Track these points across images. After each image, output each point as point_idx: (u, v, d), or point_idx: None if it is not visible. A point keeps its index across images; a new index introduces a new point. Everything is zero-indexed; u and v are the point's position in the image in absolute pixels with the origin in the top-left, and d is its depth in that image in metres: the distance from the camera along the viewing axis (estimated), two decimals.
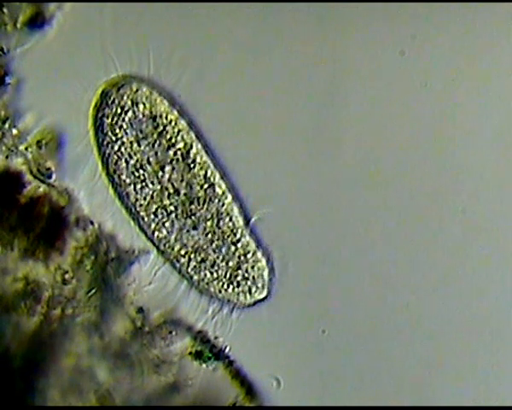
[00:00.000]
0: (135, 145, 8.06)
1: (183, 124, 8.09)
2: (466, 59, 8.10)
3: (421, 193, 8.13)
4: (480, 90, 8.12)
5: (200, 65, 8.11)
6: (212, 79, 8.14)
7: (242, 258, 8.13)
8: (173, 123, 8.09)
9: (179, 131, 8.08)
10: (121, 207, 8.10)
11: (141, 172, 8.05)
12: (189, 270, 8.12)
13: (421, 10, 8.02)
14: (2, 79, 7.96)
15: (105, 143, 8.06)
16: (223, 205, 8.10)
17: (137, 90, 8.08)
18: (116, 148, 8.05)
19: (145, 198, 8.07)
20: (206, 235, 8.10)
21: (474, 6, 7.97)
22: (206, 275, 8.12)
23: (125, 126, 8.06)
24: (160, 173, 8.05)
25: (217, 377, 8.09)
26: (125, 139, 8.05)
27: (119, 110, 8.07)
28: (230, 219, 8.11)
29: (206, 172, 8.10)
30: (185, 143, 8.08)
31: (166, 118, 8.09)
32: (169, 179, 8.06)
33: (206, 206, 8.09)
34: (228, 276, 8.12)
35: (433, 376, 8.06)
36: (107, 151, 8.06)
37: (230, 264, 8.13)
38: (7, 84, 7.97)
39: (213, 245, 8.11)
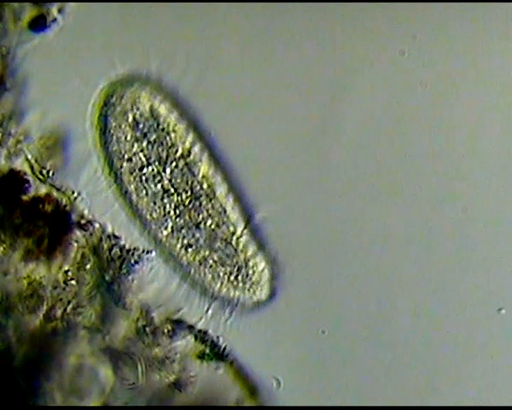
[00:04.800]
0: (136, 145, 8.08)
1: (184, 124, 8.11)
2: (466, 59, 8.09)
3: (421, 193, 8.11)
4: (480, 89, 8.10)
5: (202, 65, 8.12)
6: (215, 79, 8.15)
7: (244, 258, 8.13)
8: (175, 123, 8.10)
9: (181, 130, 8.10)
10: (123, 207, 8.12)
11: (142, 171, 8.07)
12: (191, 269, 8.13)
13: (421, 10, 8.01)
14: (4, 79, 8.01)
15: (107, 143, 8.08)
16: (224, 205, 8.11)
17: (140, 90, 8.10)
18: (118, 148, 8.08)
19: (147, 198, 8.08)
20: (208, 234, 8.11)
21: (474, 6, 7.96)
22: (207, 275, 8.13)
23: (127, 126, 8.08)
24: (162, 173, 8.07)
25: (219, 376, 8.09)
26: (127, 139, 8.07)
27: (121, 110, 8.09)
28: (232, 219, 8.12)
29: (207, 172, 8.11)
30: (187, 143, 8.10)
31: (168, 118, 8.11)
32: (170, 179, 8.07)
33: (207, 205, 8.10)
34: (229, 276, 8.13)
35: (434, 376, 8.03)
36: (110, 151, 8.08)
37: (232, 264, 8.13)
38: (8, 86, 8.03)
39: (215, 245, 8.12)
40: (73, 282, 7.94)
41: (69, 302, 7.92)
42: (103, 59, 8.06)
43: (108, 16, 8.09)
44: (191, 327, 8.08)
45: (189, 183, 8.09)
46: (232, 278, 8.14)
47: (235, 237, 8.13)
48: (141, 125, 8.08)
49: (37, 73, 8.05)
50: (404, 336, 8.05)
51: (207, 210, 8.11)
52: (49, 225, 7.95)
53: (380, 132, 8.13)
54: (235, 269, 8.14)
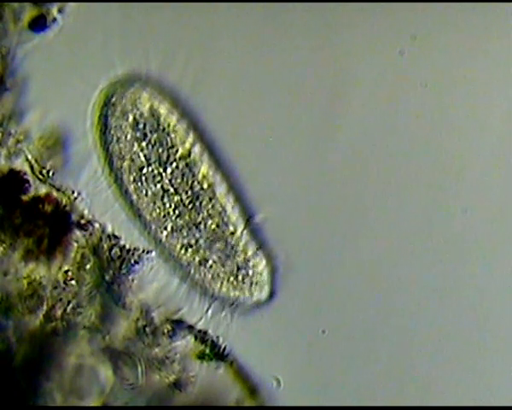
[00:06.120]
0: (137, 145, 8.08)
1: (185, 124, 8.11)
2: (466, 59, 8.09)
3: (422, 193, 8.11)
4: (480, 89, 8.10)
5: (202, 65, 8.13)
6: (215, 79, 8.15)
7: (243, 258, 8.13)
8: (175, 123, 8.10)
9: (181, 131, 8.10)
10: (123, 207, 8.12)
11: (142, 172, 8.07)
12: (191, 269, 8.13)
13: (421, 10, 8.02)
14: (4, 79, 8.01)
15: (107, 143, 8.09)
16: (224, 205, 8.11)
17: (140, 90, 8.10)
18: (118, 148, 8.08)
19: (146, 198, 8.09)
20: (208, 235, 8.11)
21: (474, 6, 7.96)
22: (207, 275, 8.13)
23: (127, 127, 8.08)
24: (162, 174, 8.07)
25: (219, 376, 8.09)
26: (127, 139, 8.08)
27: (121, 110, 8.09)
28: (232, 220, 8.12)
29: (207, 172, 8.11)
30: (187, 144, 8.10)
31: (169, 118, 8.11)
32: (170, 180, 8.08)
33: (207, 206, 8.10)
34: (229, 276, 8.13)
35: (434, 376, 8.04)
36: (110, 151, 8.09)
37: (232, 264, 8.13)
38: (8, 86, 8.03)
39: (215, 245, 8.12)
40: (73, 282, 7.94)
41: (69, 302, 7.92)
42: (103, 59, 8.06)
43: (108, 16, 8.09)
44: (191, 327, 8.08)
45: (189, 183, 8.09)
46: (232, 278, 8.14)
47: (235, 237, 8.13)
48: (141, 126, 8.08)
49: (37, 73, 8.05)
50: (405, 335, 8.06)
51: (207, 210, 8.11)
52: (49, 225, 7.95)
53: (380, 132, 8.13)
54: (236, 269, 8.14)
